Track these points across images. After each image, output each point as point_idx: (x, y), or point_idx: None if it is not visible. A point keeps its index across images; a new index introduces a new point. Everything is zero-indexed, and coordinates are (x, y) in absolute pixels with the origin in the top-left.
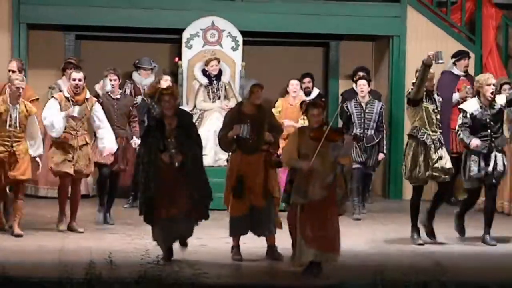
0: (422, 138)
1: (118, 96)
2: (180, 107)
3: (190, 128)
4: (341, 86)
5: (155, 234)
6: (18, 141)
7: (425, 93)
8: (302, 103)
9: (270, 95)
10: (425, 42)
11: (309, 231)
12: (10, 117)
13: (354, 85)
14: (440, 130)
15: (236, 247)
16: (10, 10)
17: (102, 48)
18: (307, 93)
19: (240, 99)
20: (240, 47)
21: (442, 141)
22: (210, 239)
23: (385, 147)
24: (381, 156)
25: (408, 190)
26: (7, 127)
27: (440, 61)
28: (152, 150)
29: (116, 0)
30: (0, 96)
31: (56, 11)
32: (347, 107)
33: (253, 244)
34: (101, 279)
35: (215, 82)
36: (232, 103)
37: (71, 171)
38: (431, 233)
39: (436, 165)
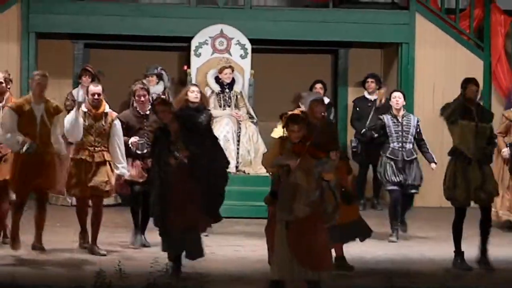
0: (459, 158)
1: (147, 112)
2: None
3: (193, 126)
4: (350, 94)
5: (164, 245)
6: (46, 143)
7: (464, 109)
8: (282, 115)
9: (279, 102)
10: (433, 49)
11: (299, 249)
12: (35, 116)
13: (365, 92)
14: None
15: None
16: (19, 19)
17: (111, 56)
18: None
19: (250, 108)
20: (249, 55)
21: (489, 159)
22: (218, 247)
23: (434, 157)
24: (433, 165)
25: (416, 198)
26: (35, 128)
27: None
28: (161, 159)
29: (124, 9)
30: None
31: (64, 20)
32: (383, 119)
33: (264, 251)
34: (110, 287)
35: (227, 90)
36: (242, 112)
37: (84, 193)
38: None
39: (477, 187)
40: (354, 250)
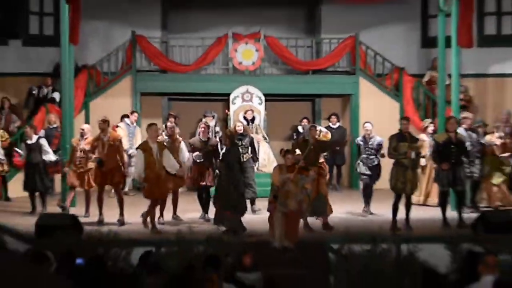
0: (398, 165)
1: (207, 139)
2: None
3: (234, 162)
4: (322, 125)
5: (214, 219)
6: (162, 167)
7: (401, 135)
8: (281, 150)
9: (282, 129)
10: (370, 97)
11: (288, 229)
12: (154, 152)
13: (330, 123)
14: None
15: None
16: (131, 84)
17: (185, 105)
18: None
19: (265, 134)
20: (263, 103)
21: (416, 167)
22: (249, 214)
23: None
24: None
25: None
26: (154, 158)
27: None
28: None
29: (191, 77)
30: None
31: (156, 85)
32: (357, 141)
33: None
34: (185, 239)
35: (250, 123)
36: (260, 136)
37: (170, 185)
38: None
39: (406, 184)
40: (329, 217)
